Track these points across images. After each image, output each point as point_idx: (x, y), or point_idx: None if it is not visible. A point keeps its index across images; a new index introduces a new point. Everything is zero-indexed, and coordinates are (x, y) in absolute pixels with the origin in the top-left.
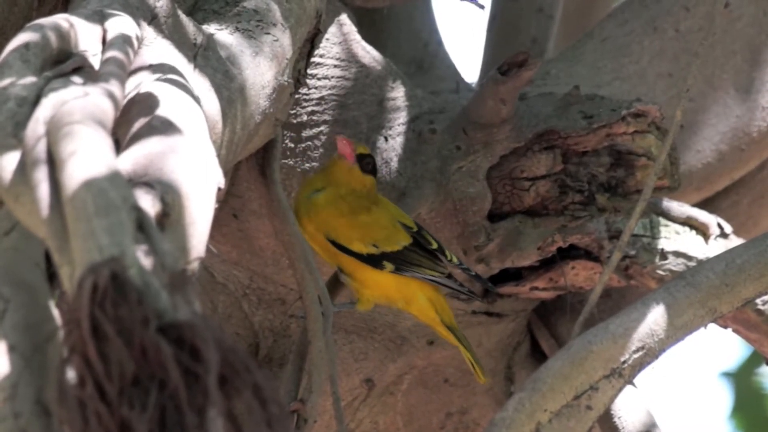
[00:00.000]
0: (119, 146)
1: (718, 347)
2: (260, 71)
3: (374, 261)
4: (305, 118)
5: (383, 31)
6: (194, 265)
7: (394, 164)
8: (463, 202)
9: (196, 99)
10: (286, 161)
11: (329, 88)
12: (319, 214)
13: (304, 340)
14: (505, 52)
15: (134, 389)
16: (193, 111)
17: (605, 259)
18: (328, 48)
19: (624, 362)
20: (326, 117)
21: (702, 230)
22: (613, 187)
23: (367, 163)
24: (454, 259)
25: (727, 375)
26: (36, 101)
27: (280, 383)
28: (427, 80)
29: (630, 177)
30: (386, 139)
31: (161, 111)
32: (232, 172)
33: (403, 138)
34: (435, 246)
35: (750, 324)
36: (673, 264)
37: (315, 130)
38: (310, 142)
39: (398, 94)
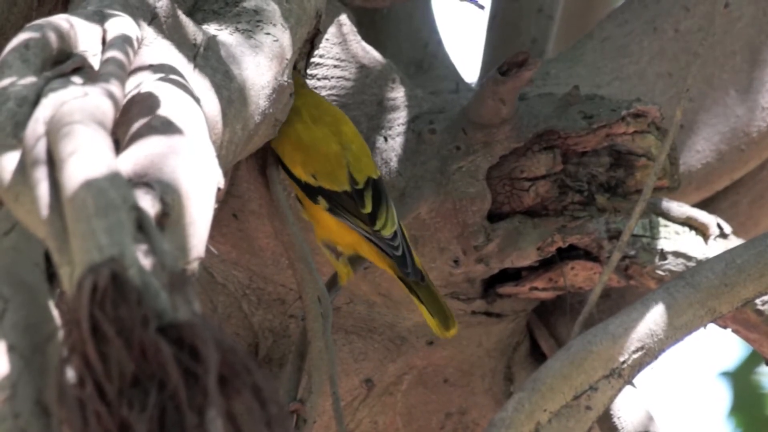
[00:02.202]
0: (119, 146)
1: (718, 347)
2: (260, 71)
3: (310, 192)
4: None
5: (383, 32)
6: (194, 265)
7: (394, 164)
8: (462, 202)
9: (196, 99)
10: None
11: (329, 89)
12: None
13: (304, 340)
14: (505, 53)
15: (134, 389)
16: (193, 111)
17: (605, 259)
18: (328, 48)
19: (623, 362)
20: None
21: (702, 230)
22: (612, 188)
23: None
24: (386, 232)
25: (726, 374)
26: (36, 101)
27: (279, 383)
28: (427, 80)
29: (630, 177)
30: (386, 139)
31: (161, 111)
32: (232, 172)
33: (402, 138)
34: (368, 210)
35: (749, 324)
36: (673, 264)
37: None
38: None
39: (398, 94)
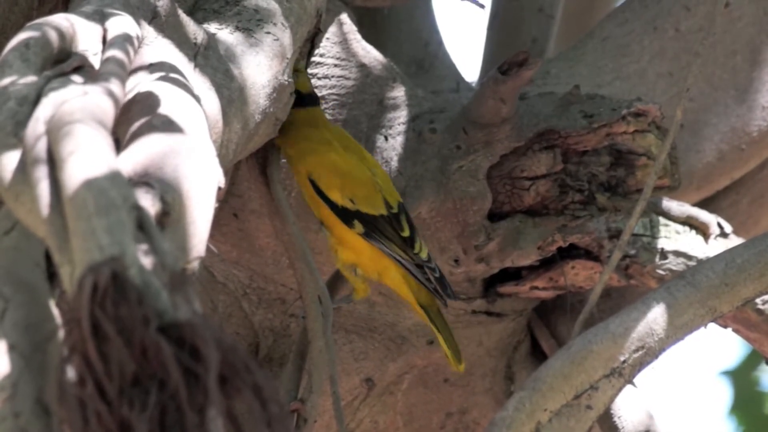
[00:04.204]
0: (119, 145)
1: (718, 346)
2: (261, 70)
3: (346, 216)
4: None
5: (384, 31)
6: (194, 265)
7: (395, 164)
8: (463, 201)
9: (197, 98)
10: (286, 161)
11: (329, 88)
12: (303, 156)
13: (304, 339)
14: (506, 52)
15: (134, 389)
16: (193, 110)
17: (605, 258)
18: (329, 47)
19: (624, 362)
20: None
21: (702, 230)
22: (613, 187)
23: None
24: (423, 254)
25: (726, 373)
26: (36, 100)
27: (280, 383)
28: (428, 80)
29: (630, 176)
30: (386, 138)
31: (162, 110)
32: (233, 171)
33: (403, 137)
34: (406, 234)
35: (750, 323)
36: (673, 263)
37: None
38: None
39: (398, 93)
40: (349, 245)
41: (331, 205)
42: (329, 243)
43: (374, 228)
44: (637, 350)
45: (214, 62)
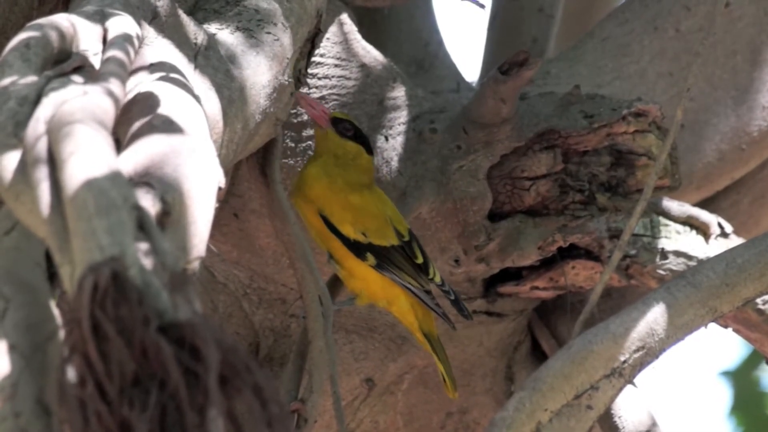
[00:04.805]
0: (120, 145)
1: (718, 346)
2: (261, 71)
3: (358, 249)
4: (306, 117)
5: (384, 31)
6: (195, 265)
7: (395, 164)
8: (463, 201)
9: (197, 98)
10: (286, 161)
11: (330, 88)
12: (312, 187)
13: (305, 339)
14: (506, 52)
15: (135, 389)
16: (193, 110)
17: (606, 258)
18: (329, 47)
19: (624, 362)
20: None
21: (702, 230)
22: (613, 187)
23: (345, 128)
24: (437, 279)
25: (726, 374)
26: (37, 100)
27: (280, 383)
28: (428, 80)
29: (630, 176)
30: (387, 138)
31: (162, 110)
32: (233, 171)
33: (403, 137)
34: (420, 261)
35: (750, 323)
36: (674, 263)
37: None
38: (310, 142)
39: (399, 93)
40: (360, 277)
41: (343, 239)
42: (339, 275)
43: (386, 259)
44: (637, 350)
45: (214, 62)
